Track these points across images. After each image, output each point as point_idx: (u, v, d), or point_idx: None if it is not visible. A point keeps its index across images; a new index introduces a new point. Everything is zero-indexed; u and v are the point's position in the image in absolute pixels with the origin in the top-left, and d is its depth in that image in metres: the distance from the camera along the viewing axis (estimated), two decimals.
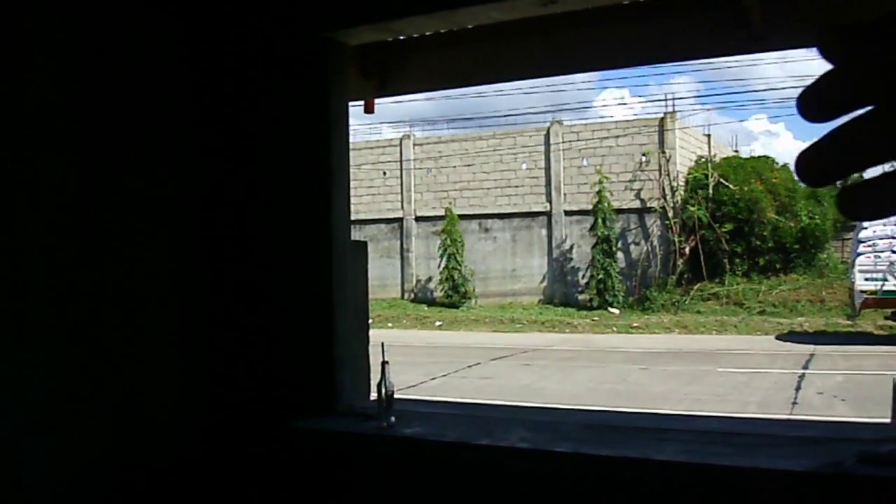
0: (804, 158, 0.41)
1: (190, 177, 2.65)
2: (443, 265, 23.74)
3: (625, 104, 67.98)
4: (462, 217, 23.95)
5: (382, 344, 2.56)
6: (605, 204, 21.93)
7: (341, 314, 2.62)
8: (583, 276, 22.83)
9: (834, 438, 2.11)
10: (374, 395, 2.67)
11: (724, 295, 21.10)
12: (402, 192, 25.66)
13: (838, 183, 0.42)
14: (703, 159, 22.76)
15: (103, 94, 2.37)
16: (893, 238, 15.80)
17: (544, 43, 3.12)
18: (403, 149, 25.64)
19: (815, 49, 0.40)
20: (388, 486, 2.48)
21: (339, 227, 2.62)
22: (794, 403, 10.23)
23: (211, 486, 2.64)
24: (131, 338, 2.45)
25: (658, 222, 22.32)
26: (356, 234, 2.76)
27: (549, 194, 23.57)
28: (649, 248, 22.50)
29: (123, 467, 2.41)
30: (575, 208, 23.12)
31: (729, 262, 21.47)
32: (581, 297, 22.71)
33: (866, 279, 16.04)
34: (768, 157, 23.45)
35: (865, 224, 15.26)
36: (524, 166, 23.98)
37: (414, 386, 11.20)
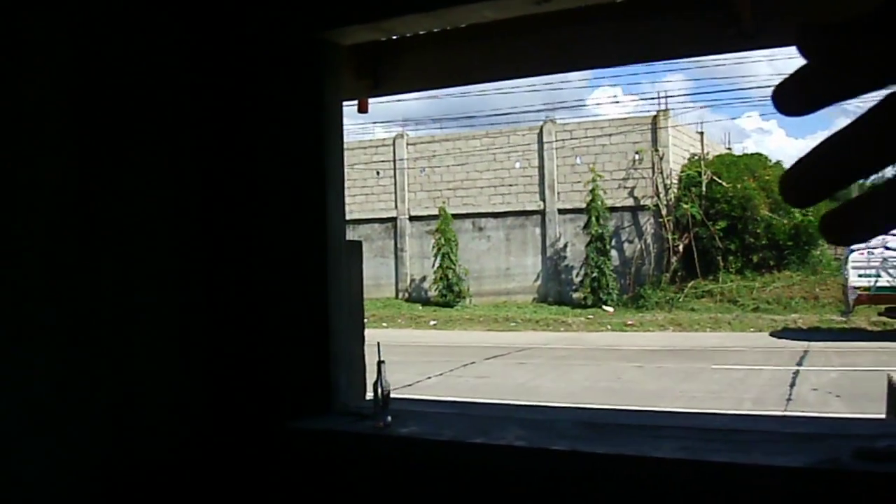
0: (787, 180, 0.40)
1: (188, 177, 2.65)
2: (437, 264, 23.75)
3: (618, 102, 68.06)
4: (456, 216, 23.97)
5: (378, 344, 2.56)
6: (599, 202, 21.97)
7: (337, 314, 2.62)
8: (577, 275, 22.87)
9: (830, 434, 2.12)
10: (369, 395, 2.67)
11: (718, 292, 21.15)
12: (395, 192, 25.66)
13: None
14: (696, 157, 22.81)
15: (103, 94, 2.36)
16: (886, 235, 15.85)
17: (537, 42, 3.12)
18: (397, 148, 25.64)
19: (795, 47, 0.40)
20: (384, 486, 2.48)
21: (335, 226, 2.62)
22: (789, 400, 10.26)
23: (208, 486, 2.64)
24: (130, 338, 2.44)
25: (652, 220, 22.37)
26: (350, 234, 2.77)
27: (542, 193, 23.60)
28: (643, 246, 22.55)
29: (122, 467, 2.40)
30: (569, 207, 23.15)
31: (722, 259, 21.52)
32: (575, 295, 22.75)
33: (860, 276, 16.12)
34: (761, 155, 23.53)
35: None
36: (518, 165, 24.00)
37: (409, 385, 11.21)
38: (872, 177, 0.43)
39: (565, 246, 23.34)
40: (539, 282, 23.77)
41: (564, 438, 2.27)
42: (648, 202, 22.26)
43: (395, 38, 3.23)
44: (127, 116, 2.45)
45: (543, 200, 23.56)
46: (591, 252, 22.01)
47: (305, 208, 2.61)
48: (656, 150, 22.12)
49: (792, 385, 11.30)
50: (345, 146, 2.76)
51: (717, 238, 21.35)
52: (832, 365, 12.93)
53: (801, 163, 0.40)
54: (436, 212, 24.03)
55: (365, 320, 2.99)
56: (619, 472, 2.14)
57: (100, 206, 2.34)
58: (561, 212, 23.39)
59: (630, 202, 22.62)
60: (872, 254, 15.90)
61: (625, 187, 22.63)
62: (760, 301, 20.44)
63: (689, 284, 21.51)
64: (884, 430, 2.26)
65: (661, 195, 22.13)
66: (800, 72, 0.40)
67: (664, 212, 22.01)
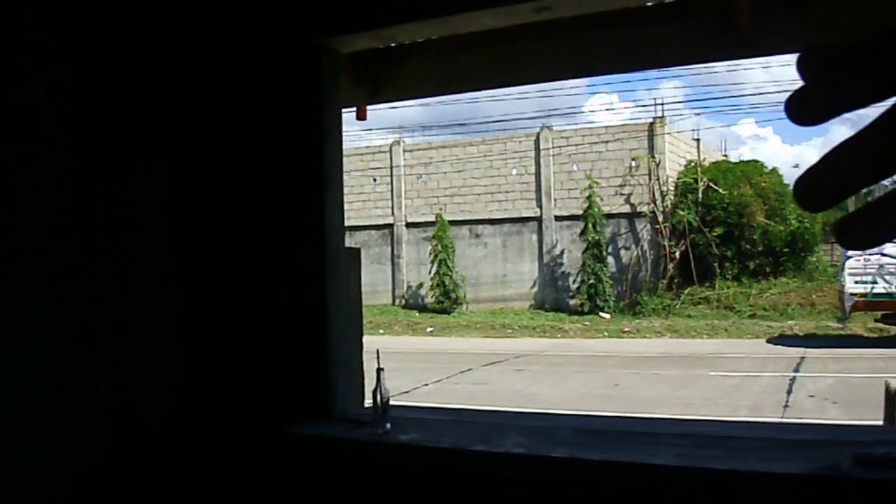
0: (800, 185, 0.42)
1: (187, 179, 2.65)
2: (434, 271, 23.73)
3: (614, 109, 68.17)
4: (453, 223, 23.95)
5: (378, 350, 2.56)
6: (596, 209, 21.98)
7: (335, 318, 2.62)
8: (574, 281, 22.86)
9: (827, 441, 2.12)
10: (368, 402, 2.67)
11: (715, 299, 21.15)
12: (392, 199, 25.66)
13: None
14: (692, 164, 22.83)
15: (102, 95, 2.37)
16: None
17: (537, 49, 3.13)
18: (393, 155, 25.64)
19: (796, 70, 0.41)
20: (383, 493, 2.48)
21: (334, 231, 2.63)
22: (786, 406, 10.27)
23: (206, 489, 2.64)
24: (128, 340, 2.44)
25: (648, 227, 22.38)
26: (347, 241, 2.77)
27: (539, 200, 23.60)
28: (640, 253, 22.56)
29: (119, 469, 2.40)
30: (565, 213, 23.16)
31: (719, 265, 21.53)
32: (572, 301, 22.74)
33: (856, 282, 16.14)
34: (757, 161, 23.54)
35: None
36: (514, 172, 24.01)
37: (407, 392, 11.19)
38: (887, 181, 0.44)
39: (562, 253, 23.35)
40: (536, 288, 23.76)
41: (563, 445, 2.28)
42: (645, 209, 22.27)
43: (393, 45, 3.24)
44: (126, 118, 2.45)
45: (540, 207, 23.57)
46: (587, 259, 22.01)
47: (304, 213, 2.62)
48: (653, 157, 22.13)
49: (789, 392, 11.31)
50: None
51: (713, 245, 21.37)
52: (829, 371, 12.94)
53: (813, 169, 0.42)
54: (432, 218, 24.02)
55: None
56: (617, 479, 2.14)
57: (98, 208, 2.35)
58: (558, 218, 23.39)
59: (627, 209, 22.63)
60: (869, 260, 15.93)
61: (621, 194, 22.64)
62: (757, 308, 20.45)
63: (686, 291, 21.52)
64: (881, 437, 2.27)
65: (658, 202, 22.14)
66: (803, 89, 0.42)
67: (661, 218, 22.02)
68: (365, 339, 2.91)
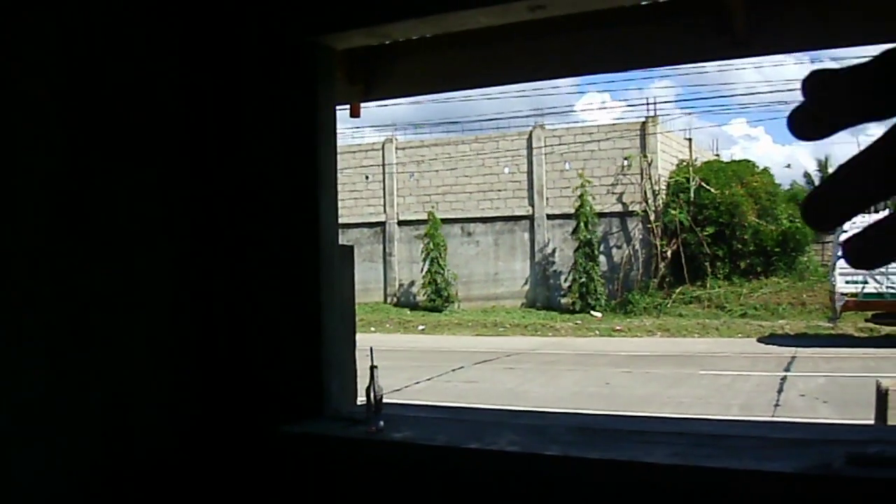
0: (808, 205, 0.43)
1: (181, 178, 2.65)
2: (425, 269, 23.73)
3: (606, 108, 68.24)
4: (445, 221, 23.96)
5: (371, 348, 2.56)
6: (588, 208, 22.01)
7: (329, 318, 2.62)
8: (565, 280, 22.90)
9: (821, 440, 2.13)
10: (360, 400, 2.67)
11: (706, 298, 21.21)
12: (384, 196, 25.64)
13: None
14: (684, 163, 22.88)
15: (97, 94, 2.36)
16: None
17: (531, 48, 3.13)
18: (386, 152, 25.63)
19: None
20: (377, 491, 2.48)
21: (327, 231, 2.62)
22: (777, 405, 10.30)
23: (201, 488, 2.63)
24: (123, 340, 2.44)
25: (640, 226, 22.43)
26: (339, 239, 2.77)
27: (531, 198, 23.63)
28: (631, 252, 22.60)
29: (112, 471, 2.39)
30: (557, 212, 23.19)
31: (710, 265, 21.59)
32: (563, 300, 22.78)
33: (847, 282, 16.20)
34: (749, 161, 23.63)
35: (846, 227, 15.36)
36: (507, 170, 24.02)
37: (398, 390, 11.18)
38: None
39: (554, 251, 23.37)
40: (527, 287, 23.78)
41: (557, 444, 2.28)
42: (637, 208, 22.32)
43: (388, 43, 3.23)
44: (121, 117, 2.44)
45: (532, 206, 23.59)
46: (579, 257, 22.04)
47: (298, 211, 2.61)
48: (645, 156, 22.17)
49: (780, 391, 11.34)
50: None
51: (704, 244, 21.43)
52: (819, 371, 12.98)
53: (820, 189, 0.43)
54: (425, 216, 24.02)
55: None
56: (611, 478, 2.15)
57: (90, 209, 2.34)
58: (550, 217, 23.42)
59: (618, 208, 22.67)
60: None
61: (613, 193, 22.68)
62: (748, 307, 20.52)
63: (677, 290, 21.57)
64: (874, 436, 2.27)
65: (650, 201, 22.19)
66: (805, 106, 0.43)
67: (652, 218, 22.07)
68: (357, 336, 2.91)
